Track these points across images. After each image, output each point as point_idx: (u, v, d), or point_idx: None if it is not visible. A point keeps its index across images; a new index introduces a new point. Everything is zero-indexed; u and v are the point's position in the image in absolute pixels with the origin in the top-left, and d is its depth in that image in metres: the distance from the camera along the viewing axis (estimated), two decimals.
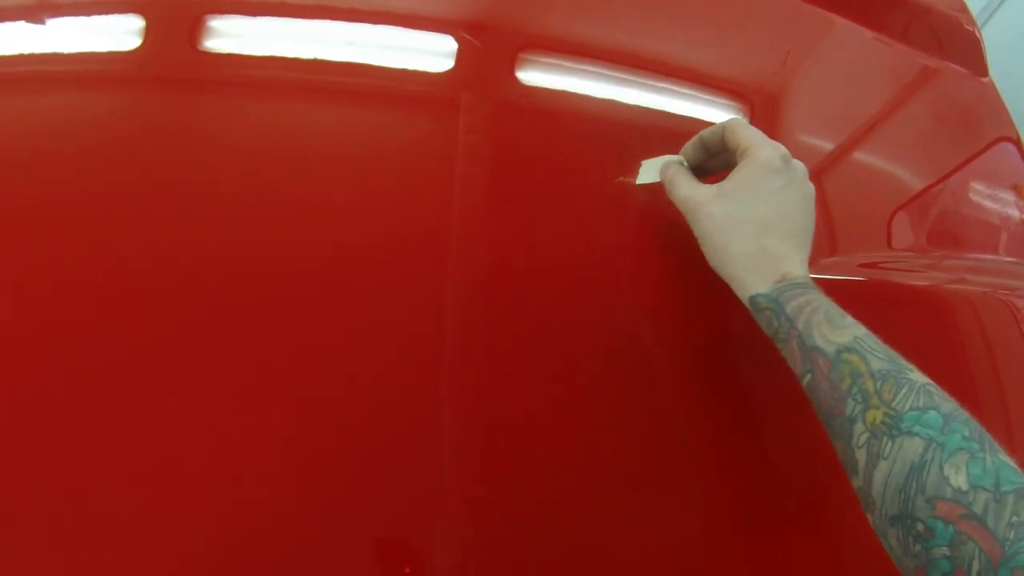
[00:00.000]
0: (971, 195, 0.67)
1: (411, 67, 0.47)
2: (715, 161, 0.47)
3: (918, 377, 0.37)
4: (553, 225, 0.46)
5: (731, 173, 0.44)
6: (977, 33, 0.77)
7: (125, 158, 0.40)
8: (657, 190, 0.48)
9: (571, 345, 0.44)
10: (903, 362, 0.38)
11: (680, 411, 0.47)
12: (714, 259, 0.43)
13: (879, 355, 0.37)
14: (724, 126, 0.45)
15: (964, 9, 0.76)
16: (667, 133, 0.50)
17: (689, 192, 0.45)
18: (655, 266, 0.49)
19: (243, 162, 0.41)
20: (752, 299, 0.42)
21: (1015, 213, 0.69)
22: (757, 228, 0.42)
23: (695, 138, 0.47)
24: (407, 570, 0.37)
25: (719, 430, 0.47)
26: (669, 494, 0.45)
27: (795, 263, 0.42)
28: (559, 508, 0.42)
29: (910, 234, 0.62)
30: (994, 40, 0.78)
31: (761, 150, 0.43)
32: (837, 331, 0.39)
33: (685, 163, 0.48)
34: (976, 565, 0.30)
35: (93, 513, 0.34)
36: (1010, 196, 0.69)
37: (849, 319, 0.39)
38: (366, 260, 0.41)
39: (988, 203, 0.68)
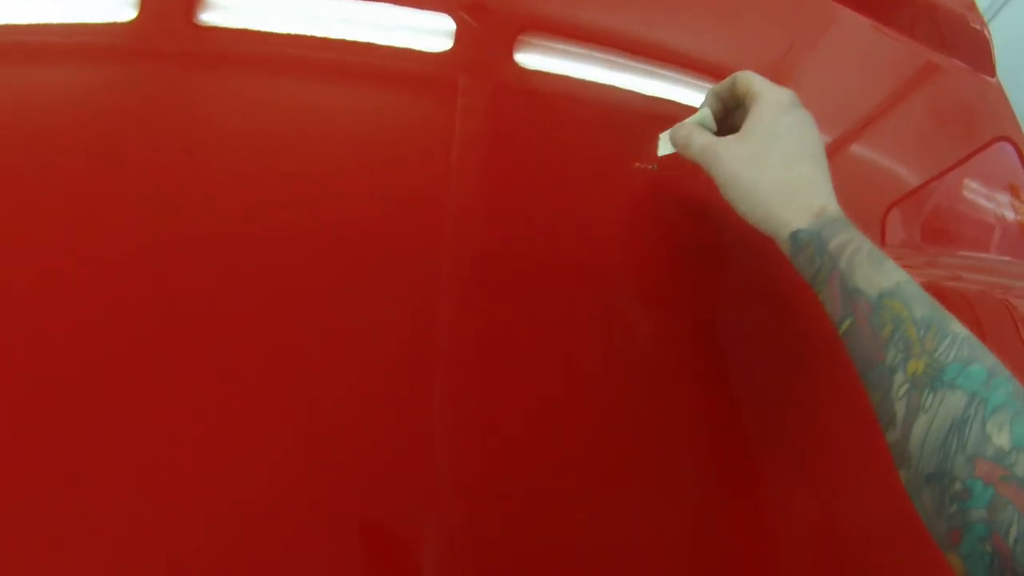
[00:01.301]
0: (968, 194, 0.67)
1: (409, 47, 0.47)
2: (731, 120, 0.48)
3: (960, 328, 0.35)
4: (551, 208, 0.46)
5: (746, 118, 0.44)
6: (986, 32, 0.76)
7: (115, 132, 0.39)
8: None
9: (567, 330, 0.44)
10: (945, 312, 0.36)
11: (678, 399, 0.46)
12: (746, 202, 0.42)
13: (922, 302, 0.36)
14: (734, 76, 0.46)
15: (972, 7, 0.75)
16: (665, 119, 0.50)
17: (706, 140, 0.44)
18: (654, 251, 0.49)
19: (235, 141, 0.41)
20: (794, 235, 0.40)
21: (1010, 213, 0.69)
22: (784, 160, 0.42)
23: (708, 92, 0.48)
24: (398, 560, 0.37)
25: (717, 418, 0.47)
26: (667, 486, 0.45)
27: (829, 197, 0.41)
28: (554, 499, 0.41)
29: (907, 230, 0.62)
30: (997, 38, 0.77)
31: (771, 91, 0.44)
32: (880, 274, 0.37)
33: (704, 118, 0.48)
34: (1014, 531, 0.28)
35: (83, 496, 0.33)
36: (1006, 196, 0.69)
37: (891, 262, 0.38)
38: (361, 242, 0.41)
39: (984, 202, 0.67)
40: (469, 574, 0.38)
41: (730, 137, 0.44)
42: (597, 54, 0.52)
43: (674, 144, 0.47)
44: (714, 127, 0.48)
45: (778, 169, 0.42)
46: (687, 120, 0.48)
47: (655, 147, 0.49)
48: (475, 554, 0.38)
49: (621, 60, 0.52)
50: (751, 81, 0.45)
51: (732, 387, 0.48)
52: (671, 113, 0.50)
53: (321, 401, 0.37)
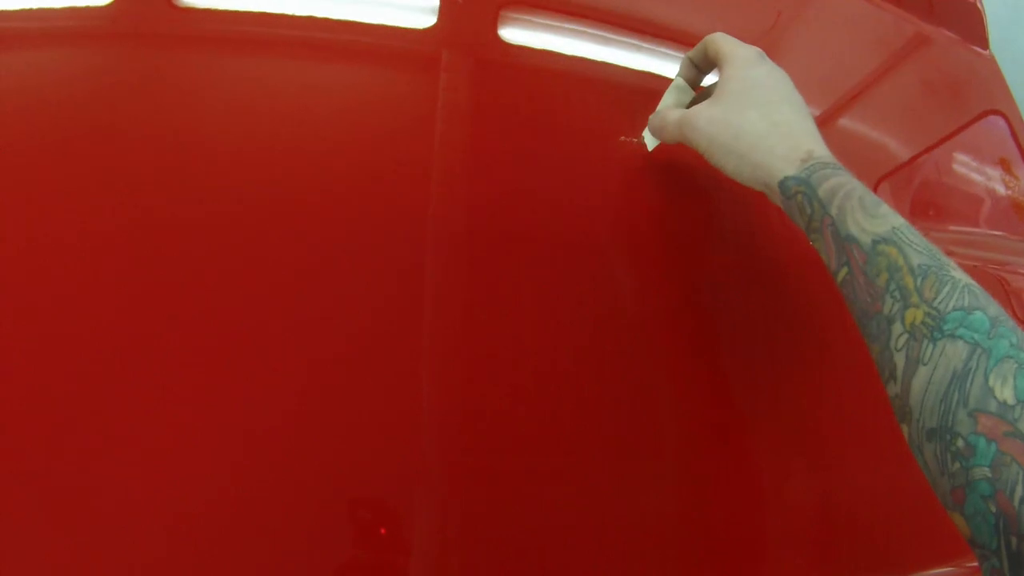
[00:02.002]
0: (959, 168, 0.66)
1: (391, 23, 0.46)
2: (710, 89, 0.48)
3: (961, 275, 0.33)
4: (536, 184, 0.46)
5: (717, 81, 0.44)
6: (978, 3, 0.75)
7: (93, 116, 0.39)
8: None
9: (554, 307, 0.44)
10: (944, 258, 0.34)
11: (668, 377, 0.46)
12: (730, 159, 0.41)
13: (919, 248, 0.34)
14: (705, 40, 0.46)
15: None
16: (651, 93, 0.50)
17: (679, 115, 0.44)
18: (642, 225, 0.48)
19: (217, 122, 0.41)
20: (782, 183, 0.39)
21: (1001, 188, 0.69)
22: (761, 110, 0.41)
23: (683, 59, 0.48)
24: (388, 541, 0.37)
25: (708, 396, 0.47)
26: (656, 466, 0.45)
27: (815, 141, 0.40)
28: (543, 479, 0.41)
29: (896, 204, 0.62)
30: (991, 10, 0.77)
31: (738, 49, 0.43)
32: (873, 220, 0.35)
33: (678, 88, 0.49)
34: (1020, 490, 0.27)
35: (76, 478, 0.33)
36: (997, 171, 0.69)
37: (885, 207, 0.36)
38: (346, 221, 0.41)
39: (975, 176, 0.67)
40: (459, 554, 0.38)
41: (702, 103, 0.44)
42: (581, 28, 0.51)
43: (652, 133, 0.48)
44: (691, 93, 0.48)
45: (756, 120, 0.41)
46: (660, 103, 0.49)
47: (643, 144, 0.50)
48: (465, 534, 0.39)
49: (606, 34, 0.52)
50: (719, 42, 0.44)
51: (724, 362, 0.48)
52: (657, 87, 0.50)
53: (307, 380, 0.37)
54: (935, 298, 0.32)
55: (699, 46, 0.46)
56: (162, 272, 0.37)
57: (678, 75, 0.49)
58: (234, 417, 0.36)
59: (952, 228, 0.65)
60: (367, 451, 0.38)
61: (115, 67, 0.41)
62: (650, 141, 0.49)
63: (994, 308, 0.32)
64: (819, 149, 0.40)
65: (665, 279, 0.48)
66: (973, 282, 0.33)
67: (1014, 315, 0.61)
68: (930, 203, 0.64)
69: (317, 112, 0.43)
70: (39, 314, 0.35)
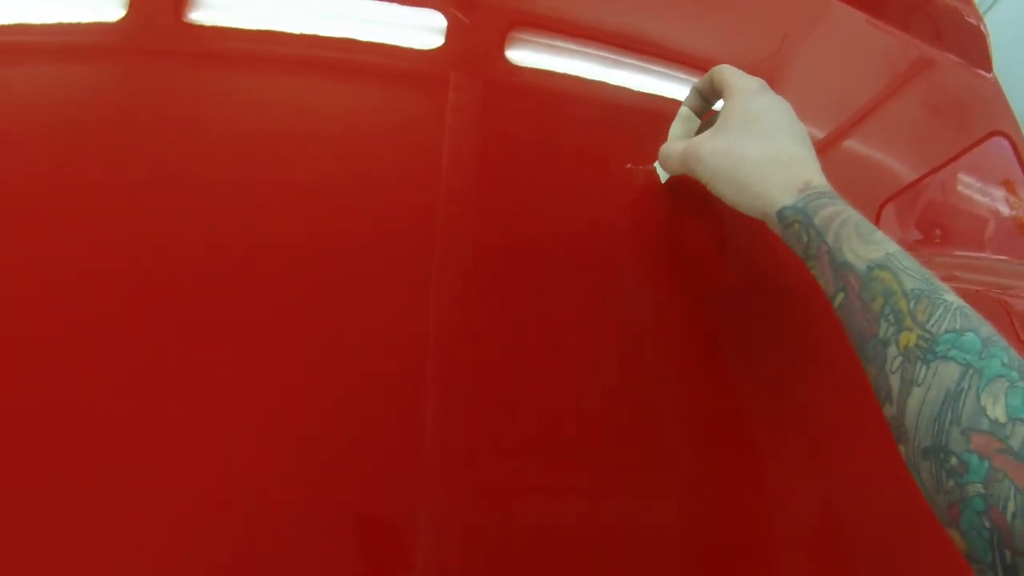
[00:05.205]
0: (963, 189, 0.66)
1: (399, 43, 0.46)
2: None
3: (953, 299, 0.34)
4: (542, 205, 0.46)
5: (719, 112, 0.45)
6: (982, 27, 0.76)
7: (102, 132, 0.39)
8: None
9: (558, 325, 0.44)
10: (937, 282, 0.35)
11: (669, 390, 0.47)
12: (730, 188, 0.42)
13: (912, 273, 0.35)
14: (711, 71, 0.47)
15: (968, 1, 0.75)
16: (656, 116, 0.50)
17: (683, 146, 0.45)
18: (646, 246, 0.49)
19: (225, 139, 0.41)
20: (780, 213, 0.40)
21: (1005, 209, 0.69)
22: (761, 141, 0.42)
23: (690, 89, 0.49)
24: (388, 549, 0.37)
25: (709, 411, 0.47)
26: (662, 479, 0.45)
27: (814, 171, 0.41)
28: (547, 491, 0.42)
29: (901, 227, 0.62)
30: (994, 33, 0.77)
31: (741, 80, 0.44)
32: (868, 246, 0.37)
33: (684, 117, 0.50)
34: (1012, 505, 0.28)
35: (84, 493, 0.33)
36: (1001, 192, 0.69)
37: (880, 234, 0.37)
38: (350, 241, 0.41)
39: (980, 197, 0.67)
40: (463, 564, 0.38)
41: (705, 134, 0.45)
42: (588, 50, 0.52)
43: (660, 165, 0.49)
44: (697, 122, 0.49)
45: (757, 150, 0.42)
46: (669, 134, 0.50)
47: (656, 175, 0.50)
48: (468, 547, 0.39)
49: (613, 56, 0.52)
50: (724, 73, 0.45)
51: (726, 377, 0.49)
52: (662, 110, 0.51)
53: (314, 394, 0.38)
54: (928, 321, 0.33)
55: (705, 77, 0.47)
56: (176, 290, 0.37)
57: (685, 105, 0.50)
58: (238, 427, 0.36)
59: (956, 253, 0.65)
60: (372, 466, 0.38)
61: (123, 83, 0.41)
62: (662, 173, 0.50)
63: (986, 329, 0.33)
64: (817, 178, 0.41)
65: (669, 297, 0.48)
66: (965, 305, 0.34)
67: (1018, 340, 0.61)
68: (935, 224, 0.64)
69: (325, 131, 0.43)
70: (58, 319, 0.35)
